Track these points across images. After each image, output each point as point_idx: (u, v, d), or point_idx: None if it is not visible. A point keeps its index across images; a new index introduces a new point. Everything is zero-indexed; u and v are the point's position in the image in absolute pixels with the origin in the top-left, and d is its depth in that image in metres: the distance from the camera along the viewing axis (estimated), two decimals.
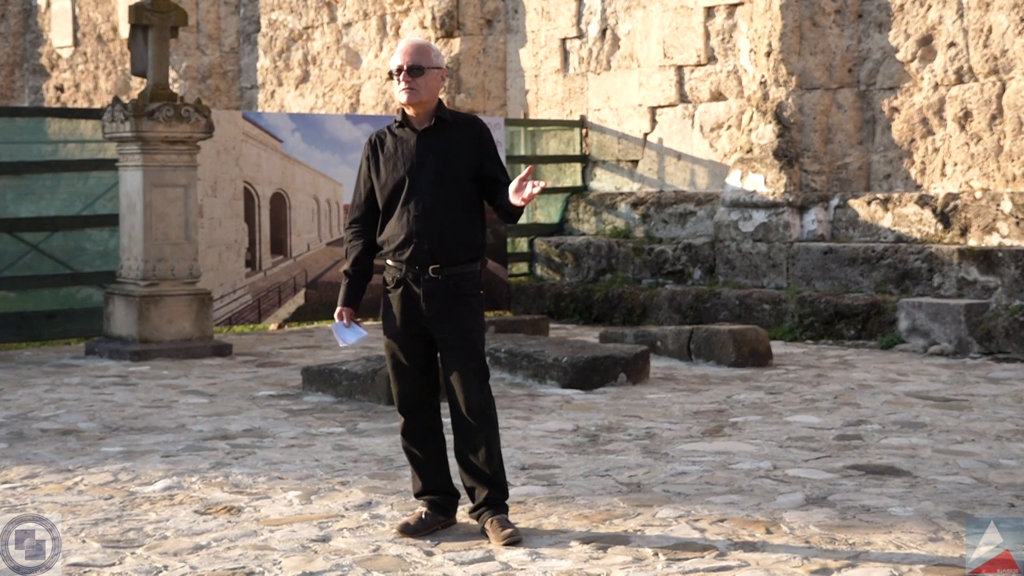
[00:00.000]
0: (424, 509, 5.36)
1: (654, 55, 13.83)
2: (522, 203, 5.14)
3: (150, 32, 11.03)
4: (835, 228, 12.04)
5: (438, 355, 5.38)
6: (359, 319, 5.39)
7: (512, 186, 5.17)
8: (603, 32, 14.35)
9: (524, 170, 5.17)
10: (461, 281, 5.27)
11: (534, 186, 5.08)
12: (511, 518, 5.39)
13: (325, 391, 8.73)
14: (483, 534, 5.25)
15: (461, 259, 5.27)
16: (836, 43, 12.18)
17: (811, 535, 5.21)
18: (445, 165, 5.25)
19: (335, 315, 5.39)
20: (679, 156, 13.77)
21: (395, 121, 5.39)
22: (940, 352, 10.46)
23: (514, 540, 5.11)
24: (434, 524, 5.32)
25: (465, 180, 5.26)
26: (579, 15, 14.55)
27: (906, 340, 10.79)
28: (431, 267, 5.22)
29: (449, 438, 5.43)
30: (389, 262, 5.31)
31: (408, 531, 5.26)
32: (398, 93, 5.28)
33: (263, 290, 12.47)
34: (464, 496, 5.48)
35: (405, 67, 5.25)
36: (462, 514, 5.48)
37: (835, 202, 12.06)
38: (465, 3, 15.31)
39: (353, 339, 5.31)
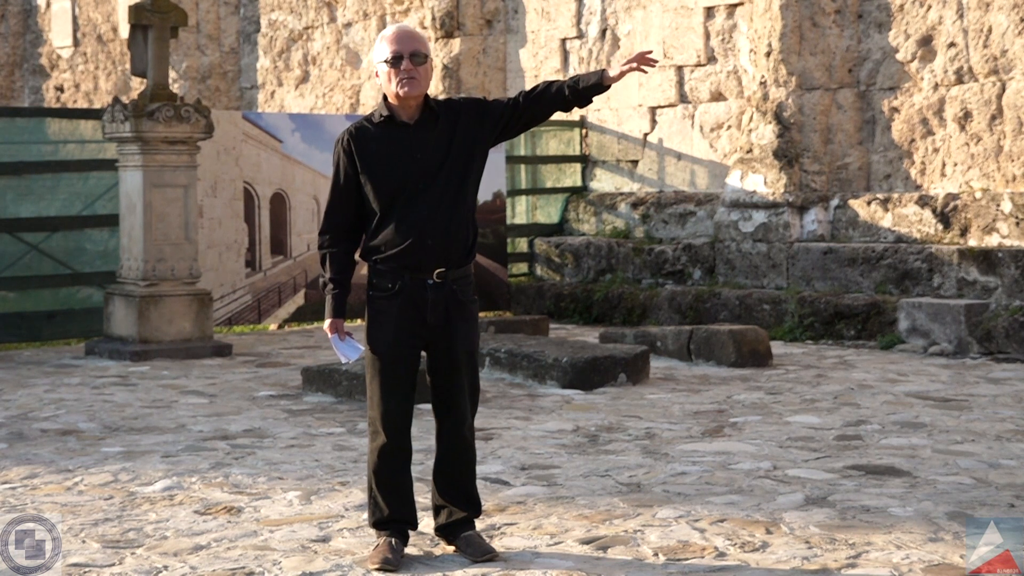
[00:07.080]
0: (391, 539, 4.90)
1: (654, 55, 13.80)
2: (630, 69, 4.98)
3: (150, 32, 11.02)
4: (835, 228, 12.03)
5: (424, 368, 5.01)
6: (348, 332, 4.98)
7: (623, 62, 4.94)
8: (603, 32, 14.35)
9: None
10: (464, 286, 4.93)
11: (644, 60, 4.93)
12: (512, 518, 5.38)
13: (325, 391, 8.73)
14: (461, 551, 4.94)
15: (463, 261, 4.90)
16: (836, 43, 12.17)
17: (811, 535, 5.21)
18: (444, 160, 4.85)
19: (327, 328, 4.95)
20: (679, 156, 13.77)
21: (379, 116, 4.91)
22: (940, 352, 10.46)
23: (493, 556, 4.88)
24: (402, 552, 4.91)
25: (465, 174, 4.89)
26: (579, 15, 14.55)
27: (906, 340, 10.79)
28: (436, 271, 4.85)
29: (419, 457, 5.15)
30: (382, 268, 4.88)
31: (392, 565, 4.79)
32: (397, 85, 4.80)
33: (263, 290, 12.47)
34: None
35: (407, 55, 4.79)
36: (425, 526, 5.26)
37: (835, 202, 12.06)
38: (465, 3, 15.31)
39: (355, 355, 4.98)
